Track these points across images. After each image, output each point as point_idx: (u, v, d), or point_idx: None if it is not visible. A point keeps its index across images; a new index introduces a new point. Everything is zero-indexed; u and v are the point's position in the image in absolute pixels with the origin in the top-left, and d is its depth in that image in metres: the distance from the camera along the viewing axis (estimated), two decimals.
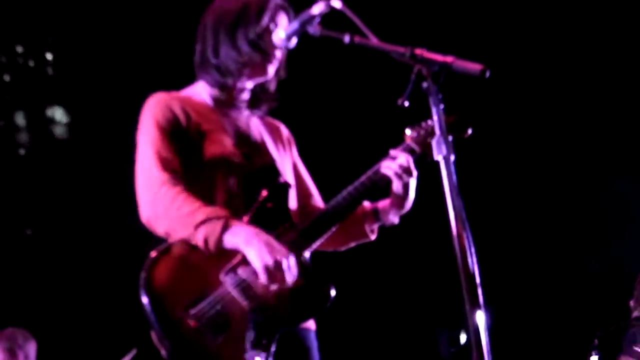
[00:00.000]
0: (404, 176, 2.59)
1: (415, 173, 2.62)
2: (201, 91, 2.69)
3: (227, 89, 2.67)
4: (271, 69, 2.67)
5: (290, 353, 2.43)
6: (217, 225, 2.35)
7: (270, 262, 2.32)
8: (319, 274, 2.46)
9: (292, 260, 2.36)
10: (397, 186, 2.62)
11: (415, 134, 2.70)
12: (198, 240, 2.35)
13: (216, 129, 2.59)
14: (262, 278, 2.33)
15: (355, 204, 2.59)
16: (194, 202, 2.40)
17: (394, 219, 2.73)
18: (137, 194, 2.48)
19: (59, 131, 6.42)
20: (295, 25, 2.34)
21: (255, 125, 2.73)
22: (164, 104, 2.58)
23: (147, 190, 2.45)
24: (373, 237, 2.77)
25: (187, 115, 2.57)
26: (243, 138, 2.64)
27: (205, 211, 2.37)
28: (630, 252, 7.24)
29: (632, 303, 5.73)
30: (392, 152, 2.65)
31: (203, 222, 2.35)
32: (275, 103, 2.77)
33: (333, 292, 2.41)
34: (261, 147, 2.67)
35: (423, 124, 2.71)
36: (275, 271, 2.33)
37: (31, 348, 5.10)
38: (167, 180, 2.43)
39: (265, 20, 2.61)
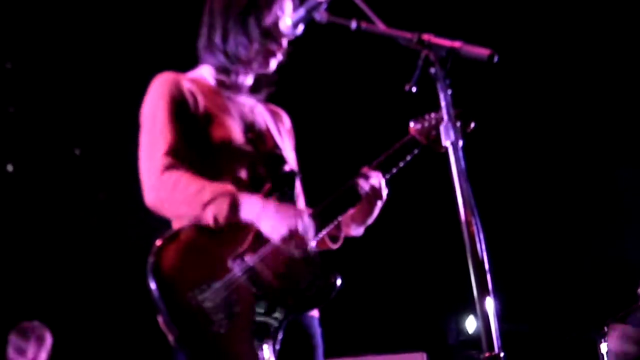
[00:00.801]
0: (373, 198, 2.61)
1: (384, 196, 2.63)
2: (206, 74, 2.68)
3: (232, 73, 2.66)
4: (274, 63, 2.66)
5: (294, 339, 2.42)
6: (225, 202, 2.34)
7: (285, 232, 2.34)
8: (326, 262, 2.45)
9: (306, 218, 2.38)
10: (363, 205, 2.63)
11: (419, 126, 2.71)
12: (207, 218, 2.35)
13: (222, 113, 2.57)
14: (284, 249, 2.36)
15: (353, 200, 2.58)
16: (198, 181, 2.39)
17: (355, 231, 2.74)
18: (141, 178, 2.47)
19: None
20: (301, 12, 2.33)
21: (260, 112, 2.72)
22: (173, 83, 2.54)
23: (150, 174, 2.43)
24: (335, 246, 2.73)
25: (194, 96, 2.54)
26: (248, 124, 2.63)
27: (211, 189, 2.36)
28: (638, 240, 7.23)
29: (639, 290, 5.73)
30: (365, 170, 2.64)
31: (211, 201, 2.34)
32: (274, 87, 2.76)
33: (339, 282, 2.41)
34: (266, 134, 2.67)
35: (427, 117, 2.71)
36: (293, 238, 2.35)
37: (48, 340, 5.25)
38: (170, 163, 2.42)
39: (276, 8, 2.60)
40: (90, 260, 6.80)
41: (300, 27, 2.43)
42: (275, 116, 2.79)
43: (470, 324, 9.21)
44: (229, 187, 2.40)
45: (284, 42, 2.64)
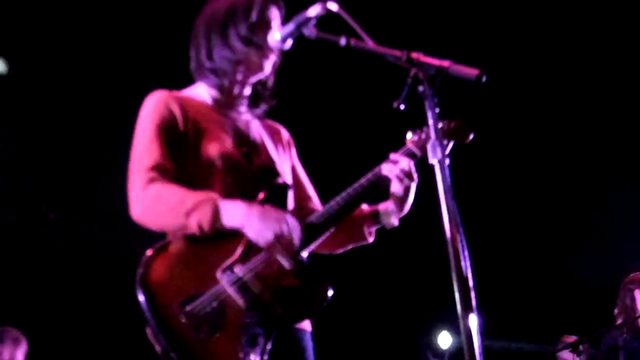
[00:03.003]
0: (406, 180, 2.63)
1: (416, 178, 2.65)
2: (201, 91, 2.70)
3: (226, 90, 2.68)
4: (268, 65, 2.67)
5: (285, 353, 2.42)
6: (207, 209, 2.35)
7: (270, 237, 2.34)
8: (316, 273, 2.45)
9: (290, 220, 2.38)
10: (398, 189, 2.64)
11: (416, 138, 2.73)
12: (192, 226, 2.36)
13: (215, 128, 2.59)
14: (271, 253, 2.36)
15: (355, 206, 2.60)
16: (180, 191, 2.40)
17: (394, 221, 2.75)
18: (128, 191, 2.48)
19: None
20: (291, 27, 2.34)
21: (255, 127, 2.74)
22: (162, 103, 2.57)
23: (135, 188, 2.45)
24: (371, 239, 2.79)
25: (185, 114, 2.57)
26: (242, 138, 2.65)
27: (192, 197, 2.37)
28: (617, 258, 7.29)
29: (616, 311, 5.77)
30: (393, 155, 2.66)
31: (193, 209, 2.35)
32: (273, 102, 2.78)
33: (330, 293, 2.41)
34: (260, 147, 2.68)
35: (424, 128, 2.72)
36: (279, 242, 2.35)
37: (24, 343, 5.24)
38: (154, 177, 2.43)
39: (254, 15, 2.62)
40: (78, 271, 6.77)
41: (289, 42, 2.44)
42: (271, 131, 2.81)
43: (444, 340, 9.22)
44: (211, 194, 2.41)
45: (272, 48, 2.64)
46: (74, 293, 6.75)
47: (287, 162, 2.77)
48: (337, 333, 7.78)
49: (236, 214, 2.37)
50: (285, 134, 2.88)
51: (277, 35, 2.43)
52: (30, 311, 6.26)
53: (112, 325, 6.57)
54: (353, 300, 7.66)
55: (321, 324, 2.79)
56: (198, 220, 2.35)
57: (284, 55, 2.71)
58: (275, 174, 2.63)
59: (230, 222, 2.37)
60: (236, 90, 2.70)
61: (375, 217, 2.75)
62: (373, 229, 2.78)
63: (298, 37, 2.36)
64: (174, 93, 2.65)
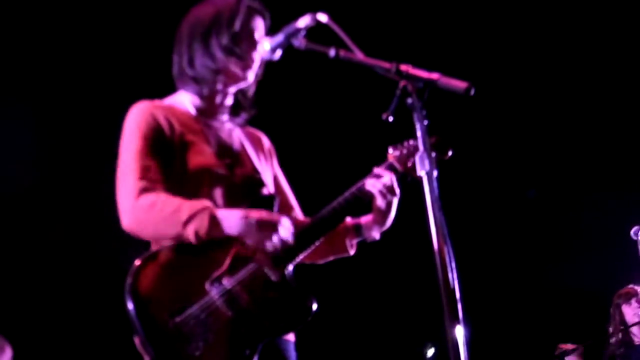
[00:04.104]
0: (388, 195, 2.65)
1: (398, 192, 2.67)
2: (184, 100, 2.70)
3: (207, 98, 2.69)
4: (251, 75, 2.67)
5: None
6: (204, 218, 2.36)
7: (268, 244, 2.39)
8: (302, 286, 2.46)
9: (284, 221, 2.43)
10: (380, 204, 2.66)
11: (397, 153, 2.75)
12: (189, 235, 2.36)
13: (199, 140, 2.59)
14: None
15: (340, 219, 2.62)
16: (174, 200, 2.41)
17: (375, 234, 2.77)
18: (118, 202, 2.48)
19: None
20: (280, 37, 2.34)
21: (237, 136, 2.74)
22: (148, 113, 2.57)
23: (125, 198, 2.45)
24: (352, 252, 2.80)
25: (170, 125, 2.57)
26: (225, 149, 2.65)
27: (188, 207, 2.38)
28: (607, 269, 7.30)
29: (610, 329, 5.80)
30: (377, 170, 2.68)
31: (190, 219, 2.36)
32: (255, 111, 2.78)
33: (315, 306, 2.42)
34: (244, 157, 2.68)
35: (405, 143, 2.75)
36: (277, 244, 2.39)
37: (8, 351, 5.22)
38: (144, 187, 2.43)
39: (237, 25, 2.62)
40: (66, 279, 6.74)
41: (278, 53, 2.45)
42: (253, 139, 2.81)
43: (430, 352, 9.21)
44: (205, 202, 2.42)
45: (255, 58, 2.65)
46: (60, 299, 6.71)
47: (269, 171, 2.78)
48: (324, 343, 7.76)
49: (233, 222, 2.39)
50: (266, 142, 2.88)
51: (266, 45, 2.43)
52: (16, 317, 6.22)
53: (98, 334, 6.54)
54: (340, 311, 7.65)
55: (308, 334, 2.79)
56: (196, 229, 2.36)
57: (275, 65, 2.71)
58: (260, 184, 2.64)
59: (228, 230, 2.38)
60: (218, 100, 2.71)
61: (357, 230, 2.76)
62: (355, 242, 2.79)
63: (287, 47, 2.37)
64: (157, 103, 2.65)
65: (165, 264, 2.38)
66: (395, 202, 2.68)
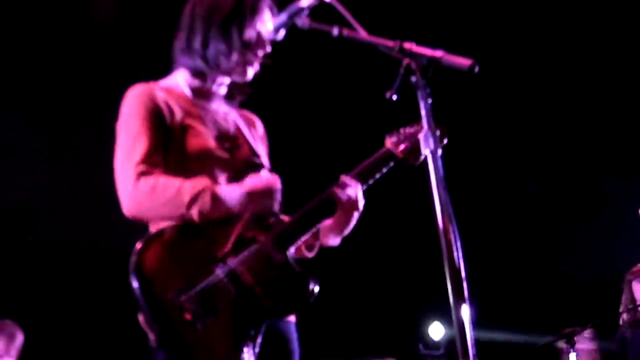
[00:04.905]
0: (350, 209, 2.62)
1: (361, 207, 2.64)
2: (180, 81, 2.68)
3: (209, 80, 2.67)
4: (251, 72, 2.67)
5: (271, 343, 2.43)
6: (207, 199, 2.38)
7: (270, 208, 2.45)
8: (304, 268, 2.46)
9: (275, 181, 2.47)
10: (340, 214, 2.63)
11: (395, 139, 2.75)
12: (193, 216, 2.37)
13: (198, 123, 2.58)
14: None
15: (312, 226, 2.57)
16: (174, 182, 2.41)
17: (333, 241, 2.75)
18: (117, 187, 2.46)
19: None
20: (283, 17, 2.33)
21: (233, 119, 2.73)
22: (145, 96, 2.55)
23: (126, 183, 2.43)
24: (311, 255, 2.76)
25: (169, 107, 2.55)
26: (224, 132, 2.64)
27: (189, 188, 2.39)
28: (614, 252, 7.30)
29: (621, 308, 5.80)
30: (344, 178, 2.65)
31: (193, 200, 2.37)
32: (250, 90, 2.76)
33: (317, 289, 2.43)
34: (241, 140, 2.67)
35: (402, 130, 2.74)
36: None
37: (19, 338, 5.22)
38: (144, 170, 2.42)
39: (258, 18, 2.61)
40: (69, 261, 6.77)
41: (282, 32, 2.43)
42: (248, 122, 2.80)
43: (436, 331, 9.23)
44: (205, 181, 2.43)
45: (261, 53, 2.65)
46: (67, 287, 6.75)
47: (264, 153, 2.77)
48: (329, 324, 7.79)
49: (235, 196, 2.41)
50: (260, 126, 2.87)
51: (270, 25, 2.41)
52: (25, 303, 6.26)
53: (104, 317, 6.57)
54: (345, 291, 7.68)
55: (313, 315, 2.80)
56: (199, 210, 2.37)
57: (278, 44, 2.69)
58: (260, 166, 2.64)
59: (230, 204, 2.40)
60: (217, 84, 2.70)
61: (315, 233, 2.71)
62: (316, 244, 2.75)
63: (291, 27, 2.35)
64: (154, 85, 2.63)
65: (169, 244, 2.37)
66: (356, 216, 2.65)
